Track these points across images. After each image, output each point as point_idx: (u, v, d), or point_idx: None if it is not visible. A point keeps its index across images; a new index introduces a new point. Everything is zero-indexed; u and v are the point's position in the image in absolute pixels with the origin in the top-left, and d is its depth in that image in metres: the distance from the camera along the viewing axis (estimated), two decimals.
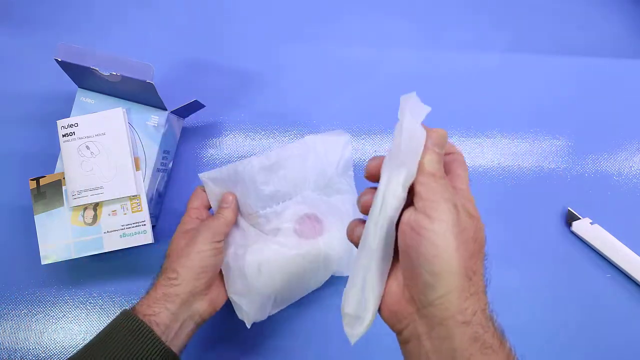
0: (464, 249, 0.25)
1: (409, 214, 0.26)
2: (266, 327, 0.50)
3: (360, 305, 0.28)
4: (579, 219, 0.52)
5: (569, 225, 0.52)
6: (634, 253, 0.51)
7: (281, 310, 0.47)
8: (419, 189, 0.26)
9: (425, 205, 0.25)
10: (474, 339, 0.24)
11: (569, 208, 0.53)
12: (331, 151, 0.47)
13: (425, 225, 0.25)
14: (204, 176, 0.45)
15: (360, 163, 0.54)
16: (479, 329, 0.24)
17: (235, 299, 0.44)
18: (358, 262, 0.29)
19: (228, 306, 0.46)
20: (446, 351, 0.24)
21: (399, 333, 0.28)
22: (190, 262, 0.40)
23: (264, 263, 0.43)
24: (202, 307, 0.41)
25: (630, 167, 0.55)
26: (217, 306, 0.43)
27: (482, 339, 0.24)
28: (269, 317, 0.47)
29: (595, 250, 0.52)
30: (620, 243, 0.51)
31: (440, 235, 0.24)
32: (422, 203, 0.25)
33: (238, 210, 0.44)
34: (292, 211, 0.45)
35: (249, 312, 0.44)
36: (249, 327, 0.45)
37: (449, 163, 0.30)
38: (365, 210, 0.29)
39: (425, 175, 0.26)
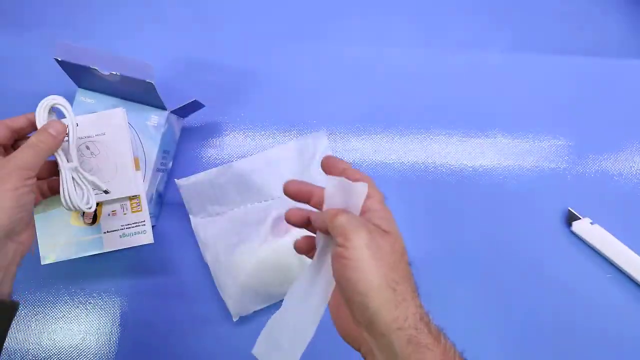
0: (382, 264, 0.28)
1: (333, 250, 0.30)
2: (252, 321, 0.50)
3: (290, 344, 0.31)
4: (579, 219, 0.52)
5: (569, 225, 0.52)
6: (634, 253, 0.51)
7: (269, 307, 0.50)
8: (333, 227, 0.30)
9: (341, 239, 0.29)
10: (409, 342, 0.27)
11: (569, 208, 0.53)
12: (310, 152, 0.52)
13: (345, 255, 0.28)
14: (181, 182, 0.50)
15: (360, 163, 0.54)
16: (412, 332, 0.27)
17: (222, 292, 0.48)
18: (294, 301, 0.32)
19: (216, 300, 0.47)
20: (391, 358, 0.28)
21: (359, 351, 0.32)
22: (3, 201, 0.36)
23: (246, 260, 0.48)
24: (18, 248, 0.39)
25: (631, 167, 0.55)
26: (29, 246, 0.41)
27: (415, 340, 0.27)
28: (255, 313, 0.49)
29: (595, 250, 0.52)
30: (620, 243, 0.51)
31: (358, 260, 0.28)
32: (338, 238, 0.29)
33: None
34: (276, 212, 0.50)
35: (235, 304, 0.48)
36: (235, 320, 0.49)
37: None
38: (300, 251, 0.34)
39: (333, 215, 0.30)
